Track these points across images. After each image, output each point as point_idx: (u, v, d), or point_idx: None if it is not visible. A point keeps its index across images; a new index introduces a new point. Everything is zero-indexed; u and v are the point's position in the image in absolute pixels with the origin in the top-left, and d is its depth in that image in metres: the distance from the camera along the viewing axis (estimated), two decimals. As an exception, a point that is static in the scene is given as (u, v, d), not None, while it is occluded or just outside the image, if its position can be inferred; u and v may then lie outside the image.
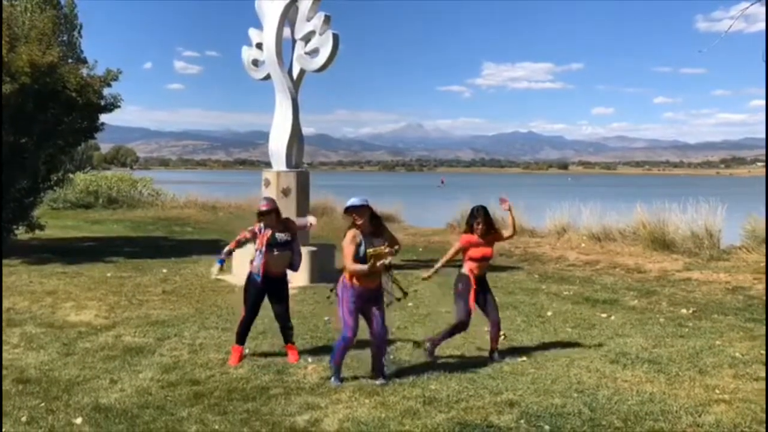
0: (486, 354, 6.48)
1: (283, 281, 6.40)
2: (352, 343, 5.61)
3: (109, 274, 11.21)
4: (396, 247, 5.57)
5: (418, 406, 5.08)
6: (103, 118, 14.05)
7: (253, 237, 6.24)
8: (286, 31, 11.74)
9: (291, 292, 6.65)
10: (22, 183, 13.36)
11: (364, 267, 5.36)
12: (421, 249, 15.47)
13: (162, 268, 11.97)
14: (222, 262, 6.41)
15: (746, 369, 6.11)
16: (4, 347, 6.66)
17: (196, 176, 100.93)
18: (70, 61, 13.64)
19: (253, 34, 12.12)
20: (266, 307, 6.44)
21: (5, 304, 8.57)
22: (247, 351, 6.48)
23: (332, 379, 5.69)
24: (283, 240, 6.21)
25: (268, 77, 11.88)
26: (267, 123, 11.94)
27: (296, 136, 11.60)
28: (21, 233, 14.68)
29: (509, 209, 6.34)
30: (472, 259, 6.30)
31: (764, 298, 9.34)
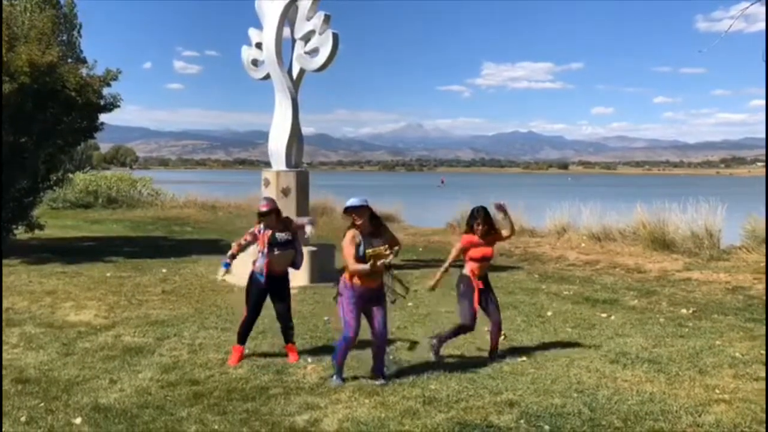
0: (486, 354, 6.48)
1: (285, 280, 6.41)
2: (354, 342, 5.60)
3: (108, 274, 11.21)
4: (396, 248, 5.56)
5: (417, 406, 5.08)
6: (103, 117, 14.06)
7: (254, 239, 6.26)
8: (286, 31, 11.74)
9: (290, 291, 6.64)
10: (21, 183, 13.35)
11: (366, 266, 5.35)
12: (421, 249, 15.46)
13: (161, 267, 11.97)
14: (227, 265, 6.42)
15: (746, 369, 6.11)
16: (4, 347, 6.66)
17: (196, 176, 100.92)
18: (69, 60, 13.63)
19: (253, 33, 12.12)
20: (266, 307, 6.44)
21: (4, 303, 8.56)
22: (246, 351, 6.47)
23: (334, 377, 5.69)
24: (284, 239, 6.22)
25: (267, 77, 11.88)
26: (267, 123, 11.94)
27: (296, 136, 11.60)
28: (20, 233, 14.68)
29: (504, 212, 6.32)
30: (472, 259, 6.30)
31: (764, 298, 9.33)
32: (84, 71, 13.32)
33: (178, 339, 7.08)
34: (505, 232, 6.49)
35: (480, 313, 6.35)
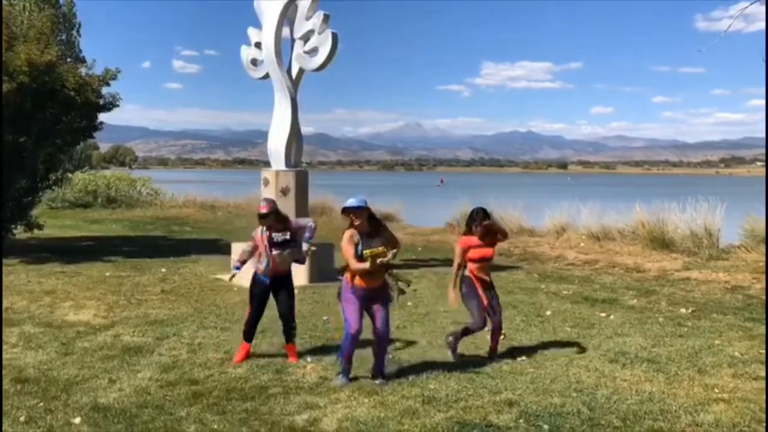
0: (485, 353, 6.48)
1: (288, 279, 6.42)
2: (357, 339, 5.58)
3: (107, 274, 11.21)
4: (394, 250, 5.53)
5: (417, 406, 5.08)
6: (102, 117, 14.07)
7: (256, 246, 6.31)
8: (285, 30, 11.73)
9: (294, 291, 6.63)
10: (20, 182, 13.35)
11: (365, 265, 5.36)
12: (420, 248, 15.46)
13: (161, 267, 11.97)
14: (238, 268, 6.56)
15: (745, 368, 6.11)
16: (3, 347, 6.65)
17: (195, 175, 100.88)
18: (68, 60, 13.62)
19: (252, 33, 12.11)
20: (267, 306, 6.44)
21: (4, 303, 8.56)
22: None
23: (340, 376, 5.66)
24: (281, 240, 6.22)
25: (267, 76, 11.88)
26: (266, 122, 11.93)
27: (295, 136, 11.59)
28: (19, 233, 14.67)
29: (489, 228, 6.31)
30: (472, 260, 6.31)
31: (763, 297, 9.34)
32: (83, 71, 13.32)
33: (177, 338, 7.08)
34: (499, 236, 6.50)
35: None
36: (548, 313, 8.57)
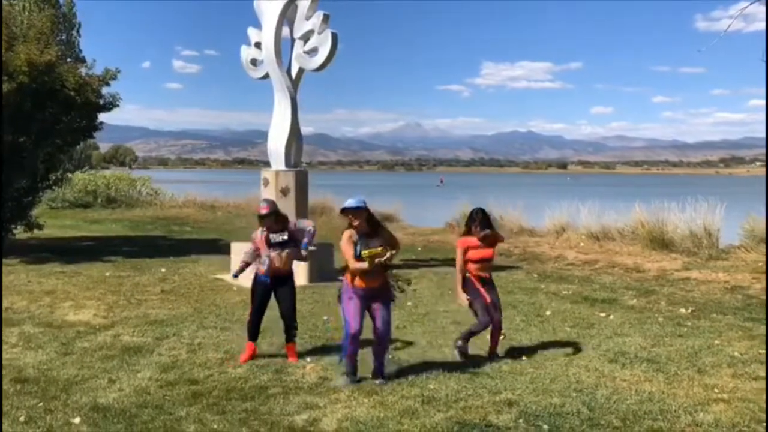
0: (485, 353, 6.48)
1: (290, 279, 6.42)
2: (358, 339, 5.57)
3: (107, 274, 11.21)
4: (393, 251, 5.51)
5: (416, 406, 5.07)
6: (102, 117, 14.08)
7: (257, 249, 6.32)
8: (285, 30, 11.73)
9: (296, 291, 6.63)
10: (20, 182, 13.35)
11: (364, 264, 5.36)
12: (419, 248, 15.46)
13: (161, 267, 11.97)
14: (236, 276, 6.68)
15: (745, 368, 6.11)
16: (3, 347, 6.65)
17: (195, 175, 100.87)
18: (68, 60, 13.62)
19: (252, 33, 12.11)
20: (268, 306, 6.44)
21: (4, 303, 8.56)
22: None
23: (344, 377, 5.62)
24: (279, 240, 6.23)
25: (266, 76, 11.87)
26: (266, 122, 11.93)
27: (295, 136, 11.59)
28: (19, 233, 14.67)
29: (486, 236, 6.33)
30: (471, 260, 6.32)
31: (763, 297, 9.34)
32: (83, 70, 13.33)
33: (177, 338, 7.08)
34: (499, 239, 6.52)
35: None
36: (548, 313, 8.57)
